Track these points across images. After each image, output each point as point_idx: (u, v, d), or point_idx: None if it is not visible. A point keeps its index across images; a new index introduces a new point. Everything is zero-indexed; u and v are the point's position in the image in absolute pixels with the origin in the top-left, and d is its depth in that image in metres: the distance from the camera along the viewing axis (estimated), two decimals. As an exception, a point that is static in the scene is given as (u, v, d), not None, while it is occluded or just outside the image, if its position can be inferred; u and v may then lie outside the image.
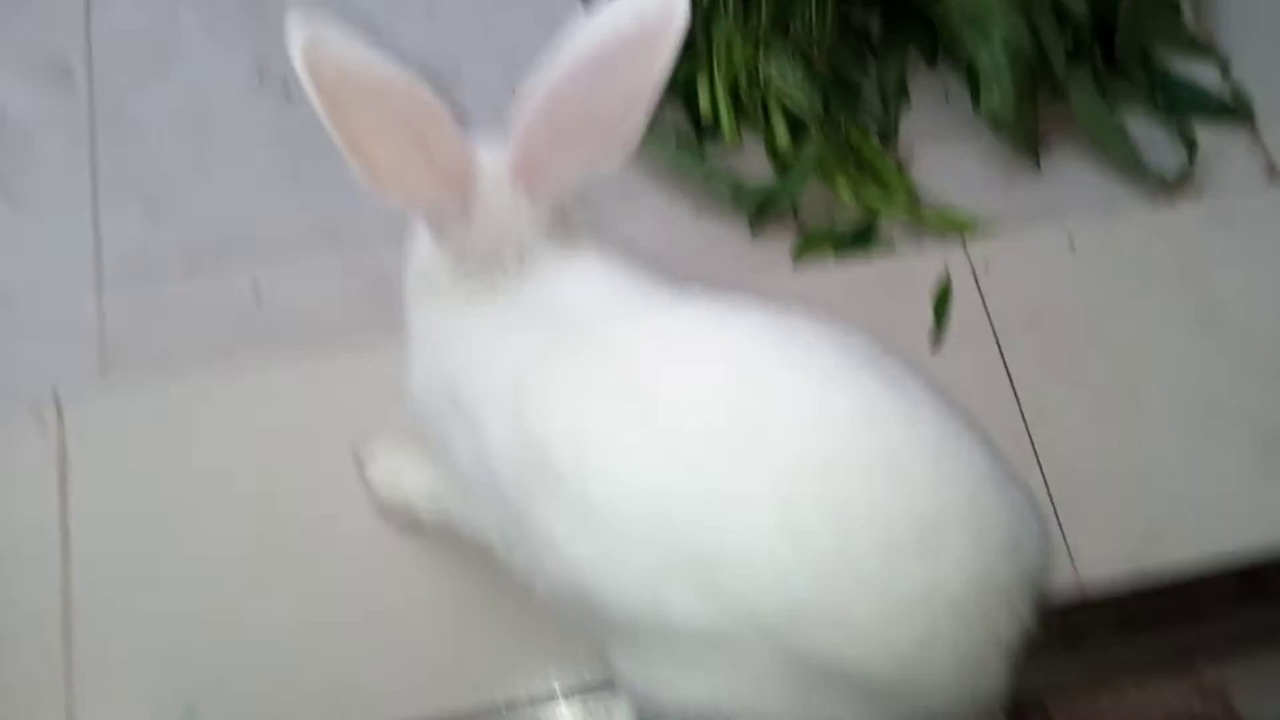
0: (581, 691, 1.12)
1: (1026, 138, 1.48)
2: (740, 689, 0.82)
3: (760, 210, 1.45)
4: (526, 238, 0.93)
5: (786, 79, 1.48)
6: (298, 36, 0.78)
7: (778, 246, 1.45)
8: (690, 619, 0.80)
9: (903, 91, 1.56)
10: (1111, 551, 1.13)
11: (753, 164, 1.48)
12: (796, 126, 1.49)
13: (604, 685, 1.10)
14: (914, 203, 1.46)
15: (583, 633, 0.96)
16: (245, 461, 1.20)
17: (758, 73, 1.49)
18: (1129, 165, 1.47)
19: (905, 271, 1.32)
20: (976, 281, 1.29)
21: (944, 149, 1.52)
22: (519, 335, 0.89)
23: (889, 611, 0.77)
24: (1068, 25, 1.49)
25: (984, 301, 1.27)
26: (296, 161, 1.50)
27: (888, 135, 1.53)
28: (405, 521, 1.17)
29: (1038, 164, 1.49)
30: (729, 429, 0.80)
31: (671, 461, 0.80)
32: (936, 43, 1.57)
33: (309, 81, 0.79)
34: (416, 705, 1.13)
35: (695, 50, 1.50)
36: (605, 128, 0.87)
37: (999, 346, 1.24)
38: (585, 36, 0.83)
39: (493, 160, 0.91)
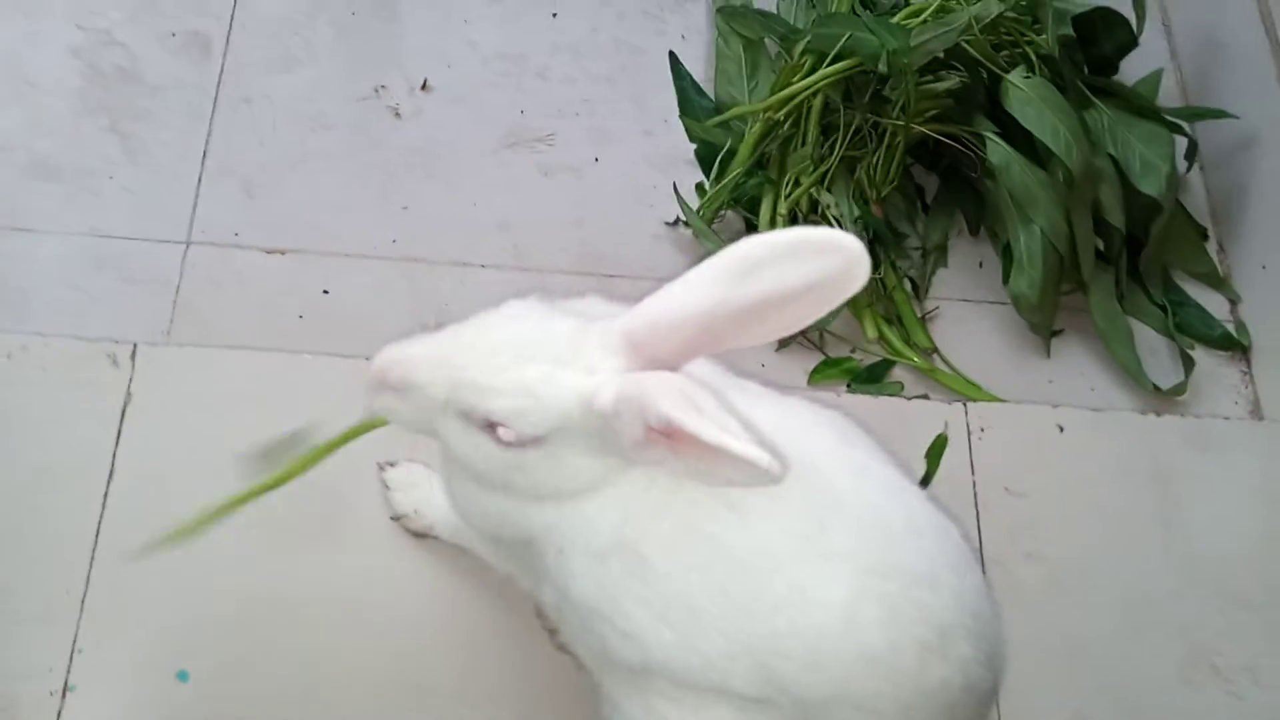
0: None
1: (1044, 322, 1.61)
2: None
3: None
4: None
5: (842, 213, 1.61)
6: None
7: (796, 364, 1.58)
8: (745, 689, 0.91)
9: (942, 251, 1.70)
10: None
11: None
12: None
13: None
14: (929, 356, 1.59)
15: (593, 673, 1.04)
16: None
17: (818, 201, 1.63)
18: (1130, 368, 1.60)
19: (908, 416, 1.44)
20: (969, 442, 1.41)
21: (966, 313, 1.65)
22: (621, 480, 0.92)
23: (910, 701, 0.90)
24: (1102, 231, 1.64)
25: (972, 462, 1.39)
26: (389, 178, 1.63)
27: (919, 288, 1.66)
28: (418, 527, 1.27)
29: (1047, 347, 1.62)
30: (806, 532, 0.90)
31: (759, 558, 0.90)
32: (982, 215, 1.71)
33: None
34: (406, 683, 1.21)
35: (768, 168, 1.65)
36: (732, 346, 0.87)
37: (976, 504, 1.36)
38: (758, 281, 0.83)
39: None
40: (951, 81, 1.62)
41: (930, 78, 1.64)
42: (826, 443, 0.97)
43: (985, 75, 1.61)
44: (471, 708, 1.22)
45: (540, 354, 0.86)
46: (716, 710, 0.93)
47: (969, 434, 1.41)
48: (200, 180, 1.58)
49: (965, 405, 1.42)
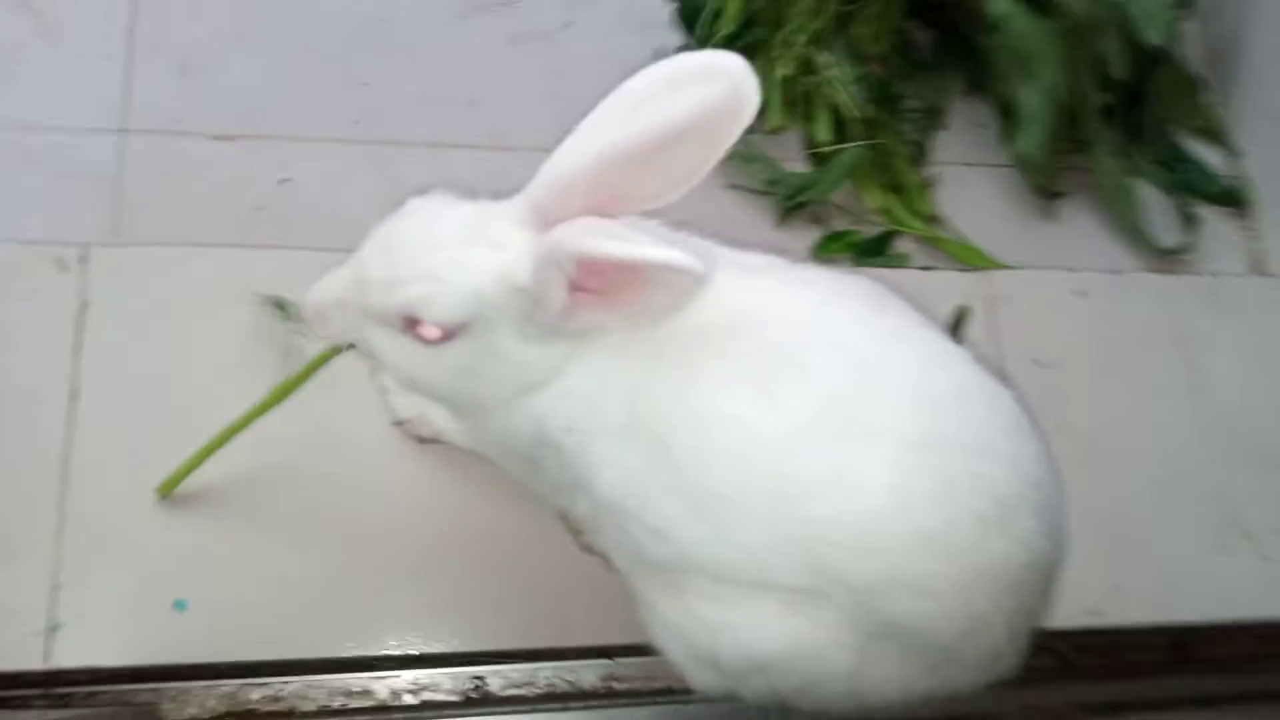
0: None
1: (1049, 183, 1.55)
2: (808, 638, 0.86)
3: (792, 199, 1.48)
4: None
5: (842, 74, 1.51)
6: None
7: (798, 238, 1.48)
8: (790, 581, 0.84)
9: (941, 113, 1.61)
10: (1072, 601, 1.21)
11: (781, 152, 1.51)
12: (838, 124, 1.52)
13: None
14: (933, 224, 1.51)
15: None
16: (255, 347, 1.17)
17: (812, 64, 1.52)
18: (1134, 230, 1.54)
19: (923, 288, 1.36)
20: (988, 314, 1.34)
21: (969, 177, 1.57)
22: (623, 354, 0.87)
23: (970, 581, 0.83)
24: (1106, 86, 1.56)
25: (996, 333, 1.33)
26: (342, 50, 1.47)
27: (920, 153, 1.57)
28: (426, 433, 1.17)
29: (1053, 211, 1.56)
30: (843, 407, 0.83)
31: (794, 442, 0.83)
32: (983, 74, 1.62)
33: None
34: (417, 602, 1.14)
35: (759, 30, 1.52)
36: (645, 193, 0.83)
37: (1003, 377, 1.31)
38: (639, 119, 0.79)
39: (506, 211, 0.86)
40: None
41: (929, -77, 1.52)
42: (854, 310, 0.90)
43: (987, -81, 1.50)
44: (496, 615, 1.14)
45: (443, 240, 0.84)
46: (762, 606, 0.86)
47: (990, 304, 1.34)
48: (128, 59, 1.40)
49: (987, 275, 1.35)
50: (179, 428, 1.09)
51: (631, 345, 0.86)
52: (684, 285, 0.77)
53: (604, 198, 0.81)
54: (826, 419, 0.83)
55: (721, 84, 0.78)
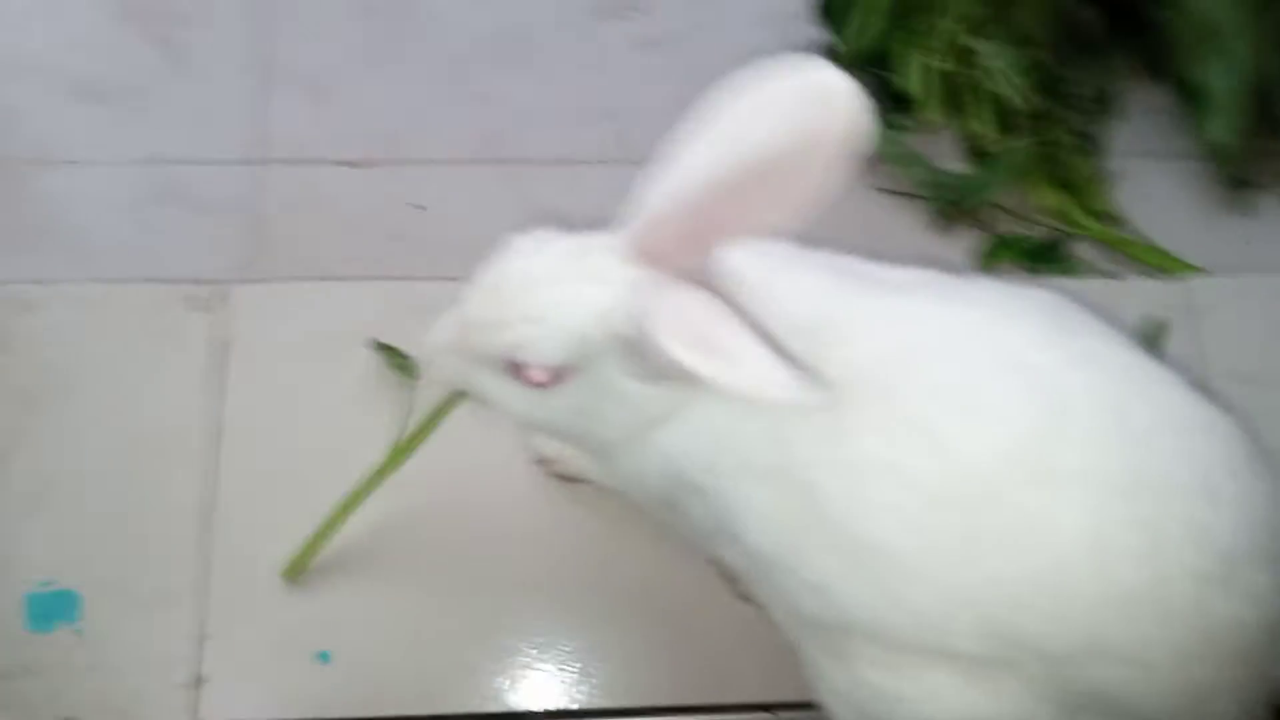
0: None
1: (1245, 173, 1.38)
2: (994, 712, 0.76)
3: (953, 202, 1.36)
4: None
5: (1005, 63, 1.38)
6: None
7: (959, 246, 1.37)
8: (972, 648, 0.75)
9: (1115, 100, 1.46)
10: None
11: (935, 151, 1.39)
12: (1001, 118, 1.40)
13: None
14: (1113, 224, 1.37)
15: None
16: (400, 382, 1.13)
17: (971, 54, 1.40)
18: (1348, 224, 1.37)
19: (1103, 299, 1.23)
20: (1187, 326, 1.20)
21: (1149, 170, 1.42)
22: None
23: (1189, 648, 0.72)
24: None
25: (1199, 348, 1.18)
26: (465, 66, 1.42)
27: (1093, 146, 1.43)
28: (570, 472, 1.11)
29: (1251, 204, 1.39)
30: (1026, 448, 0.73)
31: (967, 488, 0.73)
32: (1161, 54, 1.47)
33: None
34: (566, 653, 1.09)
35: (908, 20, 1.41)
36: (751, 224, 0.75)
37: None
38: (734, 145, 0.72)
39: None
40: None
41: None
42: (1033, 331, 0.78)
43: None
44: (648, 668, 1.06)
45: (541, 278, 0.80)
46: (941, 678, 0.76)
47: (1188, 315, 1.20)
48: (261, 88, 1.38)
49: (1181, 281, 1.21)
50: (324, 469, 1.05)
51: None
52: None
53: (705, 228, 0.74)
54: (1008, 463, 0.73)
55: (824, 103, 0.70)
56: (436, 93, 1.40)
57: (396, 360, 1.13)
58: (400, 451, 1.00)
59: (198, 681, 1.04)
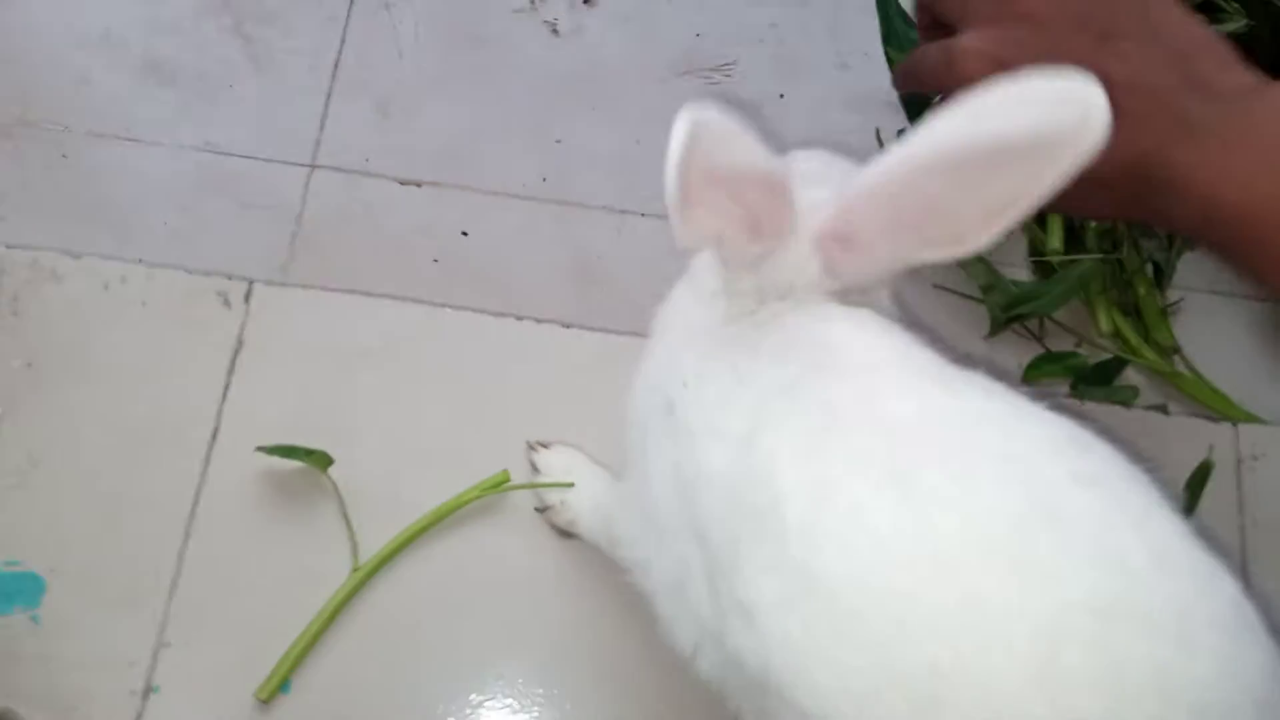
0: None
1: (1315, 325, 1.33)
2: None
3: (1009, 310, 1.32)
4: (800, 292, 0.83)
5: (1077, 178, 1.34)
6: (687, 122, 0.67)
7: (1007, 352, 1.32)
8: None
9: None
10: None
11: (1000, 256, 1.35)
12: (1069, 231, 1.36)
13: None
14: (1170, 357, 1.32)
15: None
16: (415, 408, 1.10)
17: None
18: None
19: (1145, 432, 1.18)
20: (1230, 473, 1.14)
21: (1213, 308, 1.37)
22: (773, 362, 0.79)
23: None
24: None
25: (1238, 499, 1.13)
26: (542, 105, 1.41)
27: (1160, 275, 1.39)
28: (561, 521, 1.08)
29: (1320, 356, 1.34)
30: (1003, 540, 0.67)
31: (926, 553, 0.67)
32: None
33: (679, 165, 0.67)
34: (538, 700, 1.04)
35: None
36: (955, 227, 0.74)
37: (1244, 550, 1.10)
38: (967, 127, 0.70)
39: (806, 212, 0.79)
40: (1235, 23, 1.32)
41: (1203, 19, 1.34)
42: (1050, 441, 0.73)
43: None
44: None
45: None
46: None
47: (1233, 463, 1.14)
48: (330, 95, 1.38)
49: (1232, 426, 1.15)
50: (313, 486, 1.02)
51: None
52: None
53: (913, 213, 0.74)
54: (973, 540, 0.67)
55: (1073, 108, 0.67)
56: (501, 124, 1.39)
57: (301, 456, 1.04)
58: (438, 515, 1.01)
59: (147, 690, 1.01)
